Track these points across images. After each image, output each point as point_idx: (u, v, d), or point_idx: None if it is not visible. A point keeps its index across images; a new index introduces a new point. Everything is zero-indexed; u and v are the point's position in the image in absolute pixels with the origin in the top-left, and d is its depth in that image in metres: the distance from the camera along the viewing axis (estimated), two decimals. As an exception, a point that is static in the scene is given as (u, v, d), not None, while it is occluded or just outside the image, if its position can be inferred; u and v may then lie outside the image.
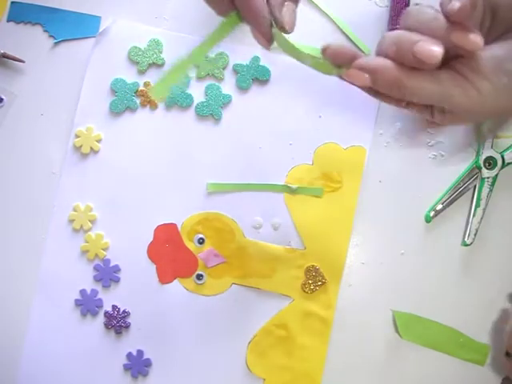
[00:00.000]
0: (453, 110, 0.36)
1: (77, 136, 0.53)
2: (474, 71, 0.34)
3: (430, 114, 0.38)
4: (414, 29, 0.34)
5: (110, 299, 0.52)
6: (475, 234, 0.52)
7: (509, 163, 0.52)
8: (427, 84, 0.34)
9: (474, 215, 0.52)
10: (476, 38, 0.32)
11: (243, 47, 0.53)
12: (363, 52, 0.54)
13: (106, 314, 0.52)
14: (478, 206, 0.52)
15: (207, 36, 0.38)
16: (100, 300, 0.52)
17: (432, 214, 0.52)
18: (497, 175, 0.52)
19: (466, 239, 0.52)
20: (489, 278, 0.53)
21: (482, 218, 0.52)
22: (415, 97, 0.35)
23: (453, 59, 0.34)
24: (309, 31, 0.53)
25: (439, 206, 0.52)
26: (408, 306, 0.53)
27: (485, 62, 0.34)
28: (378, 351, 0.52)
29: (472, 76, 0.34)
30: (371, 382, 0.52)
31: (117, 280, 0.52)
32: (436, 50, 0.33)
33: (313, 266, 0.52)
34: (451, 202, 0.52)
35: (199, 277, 0.52)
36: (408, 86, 0.34)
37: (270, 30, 0.38)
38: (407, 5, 0.53)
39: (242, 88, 0.54)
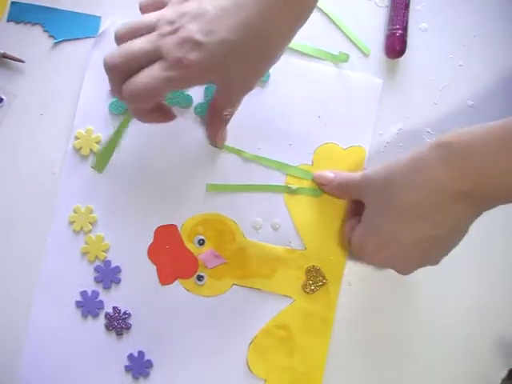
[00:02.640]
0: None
1: (76, 138, 0.53)
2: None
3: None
4: None
5: (110, 301, 0.52)
6: None
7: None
8: None
9: None
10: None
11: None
12: (363, 52, 0.54)
13: (107, 315, 0.52)
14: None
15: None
16: (101, 301, 0.52)
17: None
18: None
19: None
20: (494, 281, 0.54)
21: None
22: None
23: None
24: (309, 31, 0.53)
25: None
26: (408, 304, 0.53)
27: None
28: (379, 351, 0.53)
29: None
30: (372, 382, 0.53)
31: (117, 281, 0.52)
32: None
33: (313, 266, 0.52)
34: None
35: (200, 278, 0.52)
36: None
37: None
38: (407, 5, 0.53)
39: (242, 88, 0.53)
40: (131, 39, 0.41)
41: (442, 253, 0.44)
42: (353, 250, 0.50)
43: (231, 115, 0.48)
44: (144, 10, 0.43)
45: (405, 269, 0.46)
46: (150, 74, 0.39)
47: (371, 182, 0.46)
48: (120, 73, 0.41)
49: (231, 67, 0.41)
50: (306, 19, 0.42)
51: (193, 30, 0.39)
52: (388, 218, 0.44)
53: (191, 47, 0.38)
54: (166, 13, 0.40)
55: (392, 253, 0.45)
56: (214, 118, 0.49)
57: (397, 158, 0.44)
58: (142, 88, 0.40)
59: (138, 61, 0.40)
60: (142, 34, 0.41)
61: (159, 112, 0.46)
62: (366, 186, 0.47)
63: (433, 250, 0.44)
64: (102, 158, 0.51)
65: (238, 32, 0.39)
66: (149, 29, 0.40)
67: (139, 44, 0.40)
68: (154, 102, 0.43)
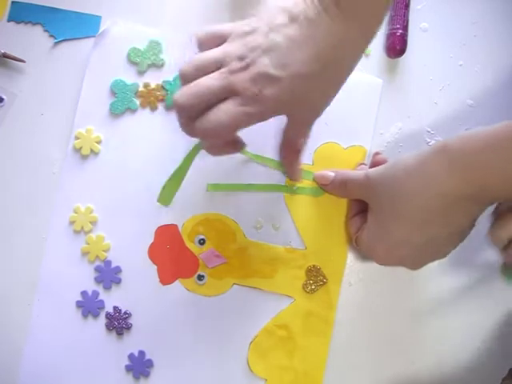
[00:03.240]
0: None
1: (77, 138, 0.53)
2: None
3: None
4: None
5: (111, 300, 0.52)
6: None
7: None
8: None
9: None
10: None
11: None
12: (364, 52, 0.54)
13: (108, 315, 0.52)
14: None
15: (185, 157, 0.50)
16: (101, 301, 0.52)
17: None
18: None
19: None
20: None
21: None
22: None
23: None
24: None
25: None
26: (409, 304, 0.53)
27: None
28: (380, 351, 0.53)
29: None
30: (373, 382, 0.53)
31: (118, 281, 0.52)
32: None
33: (314, 265, 0.52)
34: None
35: (200, 277, 0.52)
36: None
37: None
38: (408, 4, 0.54)
39: (243, 88, 0.53)
40: (198, 76, 0.40)
41: (451, 248, 0.45)
42: (361, 251, 0.50)
43: (304, 144, 0.48)
44: (203, 44, 0.42)
45: (415, 266, 0.47)
46: (226, 110, 0.39)
47: (375, 185, 0.46)
48: (191, 112, 0.40)
49: (305, 99, 0.41)
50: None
51: (266, 64, 0.38)
52: (396, 222, 0.44)
53: (266, 82, 0.38)
54: (233, 48, 0.40)
55: (402, 254, 0.45)
56: (289, 151, 0.49)
57: (399, 158, 0.44)
58: (218, 125, 0.39)
59: (210, 99, 0.39)
60: (208, 72, 0.40)
61: (231, 144, 0.46)
62: (369, 187, 0.46)
63: (442, 247, 0.45)
64: (169, 190, 0.51)
65: (312, 64, 0.38)
66: (216, 65, 0.40)
67: (210, 82, 0.39)
68: (228, 137, 0.43)
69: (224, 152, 0.46)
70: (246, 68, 0.39)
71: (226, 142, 0.45)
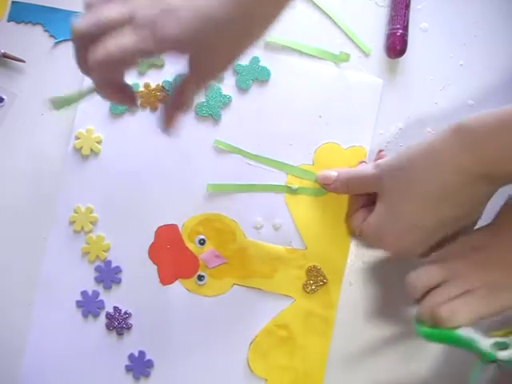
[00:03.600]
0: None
1: (77, 138, 0.53)
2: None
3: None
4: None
5: (111, 300, 0.52)
6: None
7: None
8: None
9: None
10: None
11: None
12: (364, 52, 0.54)
13: (108, 315, 0.52)
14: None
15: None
16: (101, 301, 0.52)
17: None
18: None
19: None
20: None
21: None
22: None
23: None
24: (309, 31, 0.54)
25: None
26: (409, 304, 0.53)
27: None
28: (380, 351, 0.52)
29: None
30: (372, 382, 0.52)
31: (118, 281, 0.52)
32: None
33: (314, 266, 0.52)
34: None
35: (200, 277, 0.52)
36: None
37: None
38: (408, 4, 0.53)
39: (242, 88, 0.53)
40: (102, 6, 0.37)
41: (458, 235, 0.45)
42: (367, 240, 0.50)
43: (194, 98, 0.44)
44: None
45: (424, 252, 0.46)
46: (118, 43, 0.36)
47: (388, 171, 0.46)
48: (88, 41, 0.37)
49: (208, 45, 0.38)
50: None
51: (174, 3, 0.36)
52: (409, 203, 0.44)
53: (168, 20, 0.36)
54: None
55: (412, 238, 0.45)
56: (177, 98, 0.44)
57: (412, 144, 0.45)
58: (107, 57, 0.36)
59: (107, 29, 0.37)
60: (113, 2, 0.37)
61: (124, 93, 0.43)
62: (382, 175, 0.46)
63: (453, 232, 0.45)
64: (65, 102, 0.47)
65: (222, 10, 0.36)
66: None
67: (110, 12, 0.37)
68: (118, 74, 0.40)
69: (116, 98, 0.42)
70: (150, 5, 0.36)
71: (119, 89, 0.42)
